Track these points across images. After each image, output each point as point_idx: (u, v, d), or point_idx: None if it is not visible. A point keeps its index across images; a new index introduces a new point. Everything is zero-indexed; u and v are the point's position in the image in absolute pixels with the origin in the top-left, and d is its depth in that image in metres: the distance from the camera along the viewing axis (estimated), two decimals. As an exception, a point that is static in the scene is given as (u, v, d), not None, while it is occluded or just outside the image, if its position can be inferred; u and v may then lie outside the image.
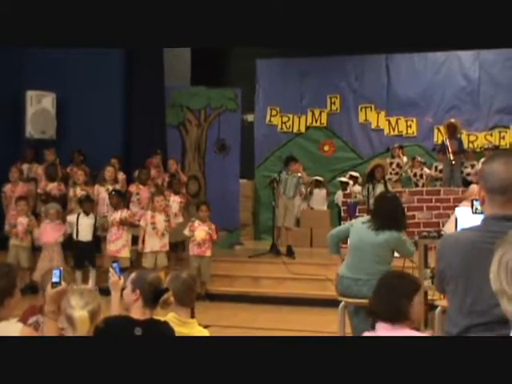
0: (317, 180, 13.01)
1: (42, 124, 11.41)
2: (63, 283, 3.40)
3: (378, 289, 3.28)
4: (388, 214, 5.96)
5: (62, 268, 3.47)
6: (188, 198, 10.95)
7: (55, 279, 3.37)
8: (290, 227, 10.71)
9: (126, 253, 9.69)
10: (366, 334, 3.25)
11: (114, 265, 4.00)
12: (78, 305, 3.19)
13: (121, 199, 9.89)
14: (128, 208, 10.02)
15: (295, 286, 9.63)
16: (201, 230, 9.58)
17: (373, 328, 3.26)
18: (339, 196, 12.43)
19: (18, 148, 11.44)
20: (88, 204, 9.94)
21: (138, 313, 3.57)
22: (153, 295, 3.60)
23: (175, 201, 10.34)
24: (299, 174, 10.70)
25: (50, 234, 9.77)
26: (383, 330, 3.16)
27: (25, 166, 11.20)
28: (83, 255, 9.76)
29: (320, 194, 13.13)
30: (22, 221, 9.95)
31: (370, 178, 10.07)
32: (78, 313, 3.16)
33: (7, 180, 10.74)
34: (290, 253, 10.45)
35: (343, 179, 12.75)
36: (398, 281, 3.28)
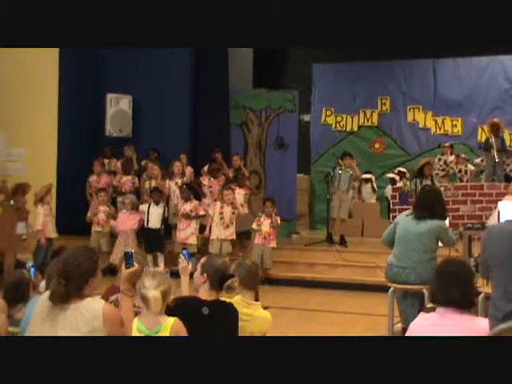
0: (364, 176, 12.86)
1: (119, 123, 11.59)
2: (135, 264, 3.48)
3: (442, 276, 3.13)
4: (429, 205, 5.90)
5: (133, 251, 3.56)
6: (252, 190, 10.93)
7: (128, 261, 3.46)
8: (344, 218, 10.62)
9: (193, 240, 9.76)
10: (431, 317, 3.11)
11: (184, 252, 4.03)
12: (152, 285, 3.26)
13: (190, 192, 9.95)
14: (200, 200, 10.05)
15: (347, 272, 9.57)
16: (265, 224, 9.61)
17: (419, 312, 3.17)
18: (388, 190, 12.27)
19: (99, 144, 11.67)
20: (157, 195, 10.03)
21: (205, 294, 3.61)
22: (219, 279, 3.62)
23: (240, 193, 10.34)
24: (351, 170, 10.56)
25: (125, 222, 9.91)
26: (451, 315, 3.02)
27: (105, 161, 11.39)
28: (153, 241, 9.84)
29: (368, 188, 12.98)
30: (103, 210, 10.16)
31: (418, 174, 9.98)
32: (152, 293, 3.24)
33: (91, 172, 11.00)
34: (342, 242, 10.38)
35: (391, 175, 12.58)
36: (462, 268, 3.13)
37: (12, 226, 9.01)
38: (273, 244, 9.62)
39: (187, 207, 9.80)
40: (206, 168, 10.77)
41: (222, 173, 10.72)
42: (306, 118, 13.97)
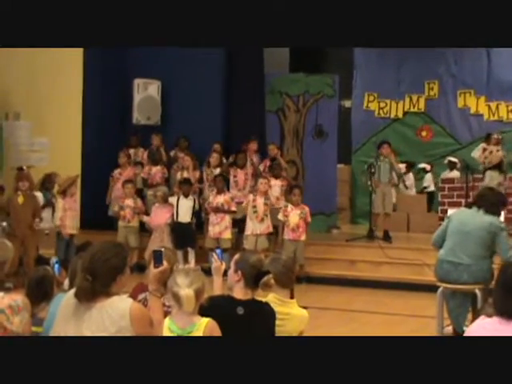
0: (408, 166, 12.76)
1: (147, 110, 11.67)
2: (165, 263, 3.52)
3: (507, 285, 3.08)
4: (493, 202, 5.84)
5: (163, 249, 3.58)
6: (290, 181, 10.91)
7: (157, 260, 3.49)
8: (389, 213, 10.54)
9: (227, 234, 9.81)
10: (492, 322, 3.06)
11: (217, 250, 4.05)
12: (184, 283, 3.27)
13: (225, 183, 10.02)
14: (228, 190, 10.15)
15: (391, 270, 9.49)
16: (294, 215, 9.55)
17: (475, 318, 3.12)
18: (428, 181, 12.19)
19: (126, 133, 11.76)
20: (187, 187, 10.07)
21: (240, 293, 3.61)
22: (254, 277, 3.63)
23: (276, 185, 10.34)
24: (389, 159, 10.47)
25: (159, 216, 9.96)
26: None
27: (131, 151, 11.49)
28: (184, 236, 9.87)
29: (410, 179, 12.91)
30: (129, 203, 10.21)
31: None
32: (184, 291, 3.24)
33: (117, 165, 11.07)
34: (386, 237, 10.32)
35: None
36: None
37: (34, 216, 9.10)
38: (304, 237, 9.59)
39: (220, 200, 9.83)
40: (231, 158, 10.89)
41: (258, 163, 10.79)
42: (347, 103, 13.95)
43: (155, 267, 3.50)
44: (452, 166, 12.32)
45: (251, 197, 9.78)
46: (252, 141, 10.99)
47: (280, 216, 9.63)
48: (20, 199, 9.03)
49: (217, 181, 10.00)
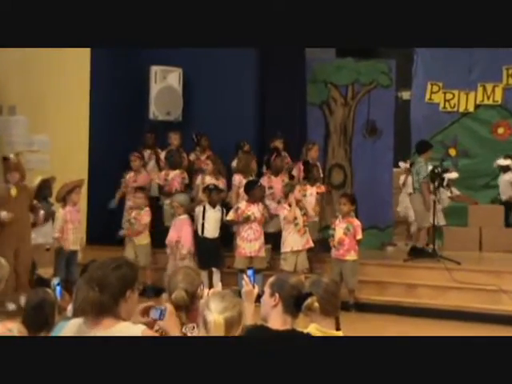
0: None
1: (166, 104, 11.74)
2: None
3: None
4: None
5: (164, 307, 3.68)
6: (328, 188, 10.94)
7: (155, 316, 3.61)
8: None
9: (262, 252, 9.85)
10: None
11: (249, 272, 4.08)
12: (217, 309, 3.30)
13: (264, 192, 10.07)
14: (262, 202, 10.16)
15: (460, 296, 9.46)
16: (339, 228, 9.57)
17: None
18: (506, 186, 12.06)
19: (141, 131, 11.84)
20: (216, 194, 10.10)
21: (277, 321, 3.62)
22: (295, 300, 3.64)
23: (312, 194, 10.33)
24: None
25: (180, 230, 10.02)
26: None
27: (146, 153, 11.59)
28: (209, 254, 9.95)
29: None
30: (136, 216, 10.27)
31: None
32: (213, 316, 3.28)
33: (130, 168, 11.16)
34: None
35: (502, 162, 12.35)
36: None
37: (28, 212, 9.13)
38: (351, 256, 9.54)
39: (254, 210, 9.85)
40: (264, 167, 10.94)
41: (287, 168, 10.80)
42: (405, 95, 14.07)
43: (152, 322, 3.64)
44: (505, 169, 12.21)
45: (286, 207, 9.74)
46: (277, 138, 11.04)
47: (331, 230, 9.69)
48: (13, 192, 8.94)
49: (257, 190, 9.98)
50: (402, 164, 12.49)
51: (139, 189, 10.51)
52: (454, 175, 11.88)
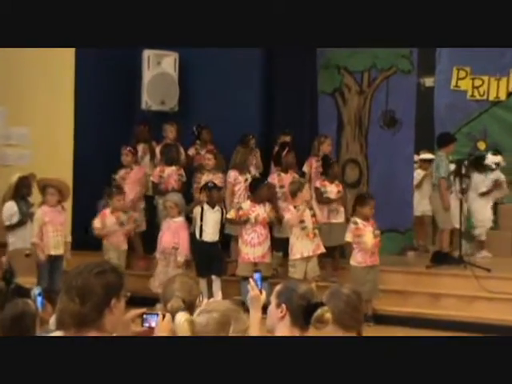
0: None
1: (161, 92, 11.74)
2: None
3: None
4: None
5: (159, 313, 3.67)
6: (343, 187, 10.94)
7: (150, 324, 3.60)
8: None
9: (267, 258, 9.89)
10: None
11: (256, 275, 4.10)
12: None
13: (272, 191, 10.11)
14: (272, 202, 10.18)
15: (490, 308, 9.50)
16: (369, 233, 9.57)
17: None
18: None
19: (133, 123, 11.84)
20: (216, 193, 10.12)
21: (284, 335, 3.62)
22: (304, 311, 3.64)
23: (332, 192, 10.40)
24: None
25: (173, 234, 10.00)
26: None
27: (140, 147, 11.58)
28: (209, 260, 9.96)
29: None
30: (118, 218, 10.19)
31: None
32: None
33: (121, 165, 11.15)
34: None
35: None
36: None
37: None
38: (377, 261, 9.66)
39: (259, 211, 9.84)
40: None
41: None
42: (428, 82, 13.92)
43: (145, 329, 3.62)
44: None
45: (292, 208, 9.75)
46: (284, 134, 11.09)
47: (349, 237, 9.65)
48: None
49: (266, 188, 10.02)
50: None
51: (120, 190, 10.43)
52: (497, 158, 11.85)
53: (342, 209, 10.47)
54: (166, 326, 3.53)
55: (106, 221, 10.06)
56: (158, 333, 3.52)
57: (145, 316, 3.61)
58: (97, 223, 10.04)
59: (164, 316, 3.57)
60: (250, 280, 4.03)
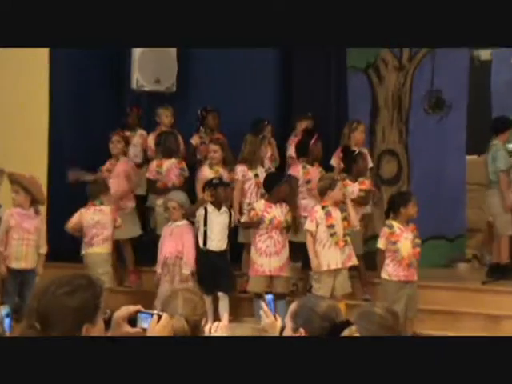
0: None
1: (155, 69, 11.61)
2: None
3: None
4: None
5: (155, 313, 3.66)
6: (375, 184, 10.95)
7: (146, 325, 3.59)
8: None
9: (285, 271, 9.82)
10: None
11: (268, 298, 4.32)
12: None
13: (292, 188, 10.11)
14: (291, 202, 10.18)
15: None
16: (406, 241, 9.31)
17: None
18: None
19: (121, 106, 11.90)
20: (222, 192, 10.05)
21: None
22: (328, 334, 3.76)
23: (354, 192, 10.17)
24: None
25: (174, 241, 9.95)
26: None
27: (129, 134, 11.44)
28: (215, 272, 9.92)
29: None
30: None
31: None
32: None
33: (108, 156, 11.04)
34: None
35: None
36: None
37: None
38: (416, 276, 9.49)
39: (276, 213, 9.72)
40: (291, 150, 10.95)
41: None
42: (484, 55, 13.86)
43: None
44: None
45: (319, 209, 9.57)
46: (305, 119, 11.06)
47: (381, 243, 9.40)
48: None
49: (286, 186, 9.94)
50: None
51: (106, 187, 10.40)
52: None
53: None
54: (161, 330, 3.52)
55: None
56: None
57: (139, 315, 3.59)
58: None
59: (159, 317, 3.53)
60: (263, 305, 4.18)
